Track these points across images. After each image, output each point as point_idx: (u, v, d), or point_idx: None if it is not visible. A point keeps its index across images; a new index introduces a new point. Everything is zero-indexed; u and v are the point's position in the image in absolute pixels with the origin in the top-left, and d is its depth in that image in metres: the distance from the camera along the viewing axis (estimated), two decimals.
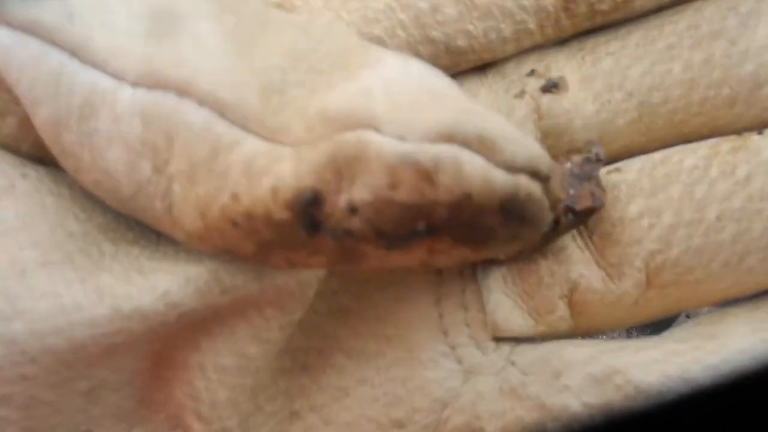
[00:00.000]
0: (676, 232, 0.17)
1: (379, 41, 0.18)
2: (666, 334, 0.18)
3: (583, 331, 0.19)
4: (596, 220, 0.18)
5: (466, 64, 0.19)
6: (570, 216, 0.17)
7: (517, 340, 0.18)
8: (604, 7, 0.19)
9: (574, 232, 0.18)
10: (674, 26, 0.19)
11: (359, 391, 0.18)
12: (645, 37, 0.19)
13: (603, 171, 0.18)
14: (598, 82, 0.19)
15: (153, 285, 0.15)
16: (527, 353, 0.18)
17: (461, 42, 0.18)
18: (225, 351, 0.16)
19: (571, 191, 0.17)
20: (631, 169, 0.18)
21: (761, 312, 0.18)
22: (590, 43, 0.19)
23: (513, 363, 0.18)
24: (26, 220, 0.15)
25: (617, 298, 0.18)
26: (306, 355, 0.18)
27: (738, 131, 0.18)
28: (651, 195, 0.18)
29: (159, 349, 0.16)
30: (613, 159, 0.19)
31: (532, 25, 0.19)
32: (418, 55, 0.18)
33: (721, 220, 0.17)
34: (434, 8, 0.18)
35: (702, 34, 0.18)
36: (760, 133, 0.18)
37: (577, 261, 0.18)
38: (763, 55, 0.18)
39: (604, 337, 0.19)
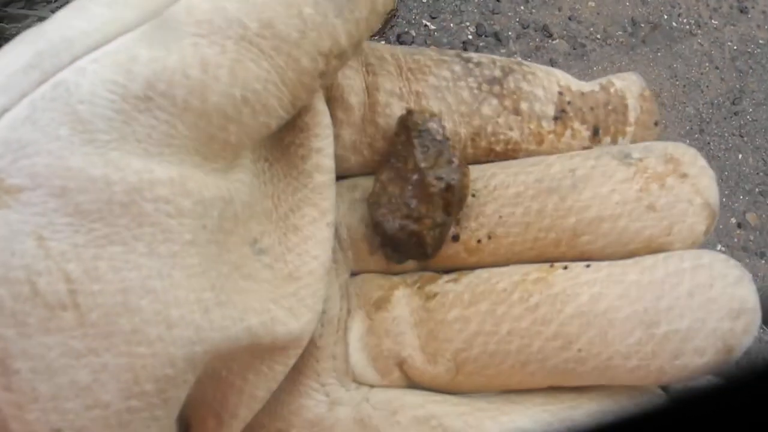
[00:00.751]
0: (477, 338, 0.23)
1: (349, 107, 0.25)
2: (485, 396, 0.24)
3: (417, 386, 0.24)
4: (427, 319, 0.24)
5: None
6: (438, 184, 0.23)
7: (372, 385, 0.24)
8: (498, 148, 0.25)
9: (412, 322, 0.24)
10: (526, 177, 0.24)
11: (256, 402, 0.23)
12: (503, 182, 0.25)
13: (445, 279, 0.25)
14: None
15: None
16: (379, 394, 0.24)
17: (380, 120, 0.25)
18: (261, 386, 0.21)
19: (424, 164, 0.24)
20: (463, 281, 0.24)
21: (553, 395, 0.23)
22: None
23: (367, 400, 0.24)
24: (204, 267, 0.19)
25: (433, 377, 0.24)
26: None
27: (559, 260, 0.23)
28: (466, 307, 0.23)
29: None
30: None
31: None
32: (364, 131, 0.25)
33: (511, 335, 0.22)
34: (387, 104, 0.25)
35: (542, 188, 0.24)
36: (565, 267, 0.23)
37: (408, 345, 0.24)
38: (583, 213, 0.23)
39: None
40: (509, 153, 0.25)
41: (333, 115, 0.24)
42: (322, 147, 0.23)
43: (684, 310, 0.21)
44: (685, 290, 0.21)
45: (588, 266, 0.23)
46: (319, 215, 0.23)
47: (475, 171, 0.25)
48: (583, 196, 0.23)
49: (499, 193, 0.24)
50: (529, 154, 0.25)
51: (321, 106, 0.23)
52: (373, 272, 0.26)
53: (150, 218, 0.18)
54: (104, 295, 0.17)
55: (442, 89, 0.25)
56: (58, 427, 0.17)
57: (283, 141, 0.23)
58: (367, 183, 0.25)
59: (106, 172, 0.17)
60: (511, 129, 0.25)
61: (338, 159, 0.24)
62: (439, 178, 0.23)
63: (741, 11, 1.57)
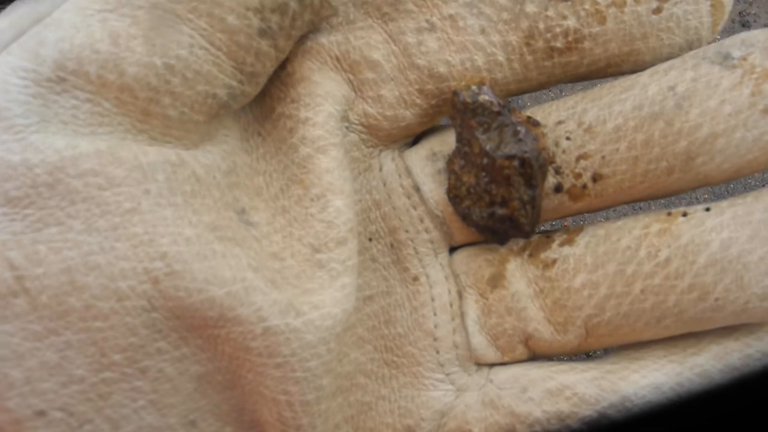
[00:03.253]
0: (609, 301, 0.22)
1: (377, 63, 0.23)
2: (604, 357, 0.23)
3: (539, 357, 0.24)
4: (550, 288, 0.23)
5: (448, 90, 0.23)
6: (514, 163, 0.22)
7: (493, 364, 0.24)
8: (558, 44, 0.23)
9: (532, 294, 0.23)
10: (622, 106, 0.22)
11: (380, 405, 0.24)
12: (597, 117, 0.22)
13: (558, 242, 0.24)
14: None
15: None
16: (501, 373, 0.24)
17: (442, 69, 0.23)
18: (308, 390, 0.20)
19: (489, 146, 0.22)
20: (580, 243, 0.23)
21: (672, 344, 0.22)
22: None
23: (491, 381, 0.24)
24: (153, 234, 0.19)
25: (563, 345, 0.23)
26: (342, 378, 0.23)
27: (675, 192, 0.22)
28: (592, 271, 0.22)
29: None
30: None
31: (500, 58, 0.23)
32: (407, 78, 0.23)
33: (644, 293, 0.22)
34: (419, 42, 0.23)
35: (644, 116, 0.22)
36: (685, 214, 0.22)
37: (533, 319, 0.23)
38: (695, 133, 0.21)
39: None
40: (573, 46, 0.23)
41: (362, 80, 0.23)
42: (309, 117, 0.22)
43: None
44: None
45: (708, 210, 0.21)
46: (303, 192, 0.22)
47: (561, 110, 0.23)
48: (690, 115, 0.21)
49: (597, 130, 0.22)
50: (594, 39, 0.22)
51: (316, 76, 0.22)
52: (474, 245, 0.25)
53: (80, 194, 0.18)
54: (49, 276, 0.18)
55: (475, 3, 0.22)
56: (41, 408, 0.18)
57: (273, 113, 0.23)
58: (444, 147, 0.24)
59: (24, 156, 0.18)
60: (564, 18, 0.22)
61: (394, 120, 0.23)
62: (511, 157, 0.22)
63: (743, 25, 1.35)
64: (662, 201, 0.24)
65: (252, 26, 0.20)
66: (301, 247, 0.22)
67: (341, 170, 0.22)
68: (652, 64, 0.23)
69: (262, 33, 0.20)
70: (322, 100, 0.22)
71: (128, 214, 0.18)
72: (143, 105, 0.19)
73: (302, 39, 0.23)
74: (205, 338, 0.20)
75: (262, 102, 0.23)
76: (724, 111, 0.21)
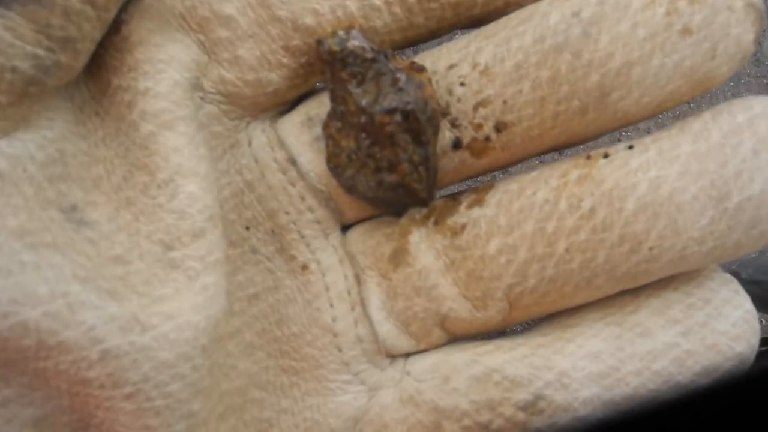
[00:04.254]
0: (531, 266, 0.19)
1: (231, 19, 0.19)
2: (533, 329, 0.21)
3: (460, 338, 0.21)
4: (461, 259, 0.20)
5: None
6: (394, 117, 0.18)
7: (408, 354, 0.21)
8: None
9: (443, 267, 0.20)
10: (521, 41, 0.19)
11: (282, 420, 0.20)
12: (494, 56, 0.19)
13: (465, 204, 0.20)
14: None
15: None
16: (419, 363, 0.21)
17: (309, 20, 0.19)
18: (174, 420, 0.17)
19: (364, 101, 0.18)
20: (491, 202, 0.20)
21: (607, 304, 0.20)
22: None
23: (408, 373, 0.21)
24: None
25: (484, 323, 0.20)
26: (232, 396, 0.20)
27: (593, 136, 0.19)
28: (507, 233, 0.19)
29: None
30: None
31: (377, 1, 0.19)
32: (269, 34, 0.19)
33: (570, 252, 0.19)
34: None
35: (547, 49, 0.19)
36: (605, 156, 0.19)
37: (447, 296, 0.20)
38: (607, 64, 0.18)
39: None
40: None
41: (214, 39, 0.19)
42: (150, 87, 0.18)
43: (753, 172, 0.18)
44: (749, 149, 0.18)
45: (631, 148, 0.19)
46: (149, 178, 0.18)
47: (453, 52, 0.20)
48: (600, 43, 0.18)
49: (495, 71, 0.19)
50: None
51: (157, 39, 0.19)
52: (370, 220, 0.21)
53: None
54: None
55: None
56: None
57: (110, 87, 0.19)
58: (322, 109, 0.20)
59: None
60: None
61: (258, 85, 0.20)
62: (391, 111, 0.18)
63: None
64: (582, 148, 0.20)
65: None
66: (151, 245, 0.18)
67: (193, 148, 0.18)
68: None
69: None
70: (164, 66, 0.18)
71: None
72: None
73: None
74: (31, 374, 0.16)
75: (97, 75, 0.19)
76: (638, 35, 0.18)
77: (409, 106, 0.18)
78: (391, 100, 0.18)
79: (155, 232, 0.18)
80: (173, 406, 0.17)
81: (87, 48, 0.18)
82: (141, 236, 0.18)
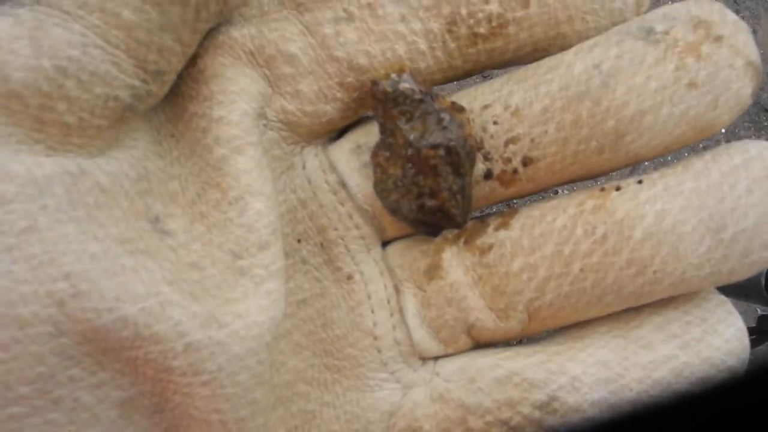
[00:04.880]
0: (549, 283, 0.22)
1: (294, 57, 0.22)
2: (549, 339, 0.23)
3: (483, 345, 0.24)
4: (488, 275, 0.22)
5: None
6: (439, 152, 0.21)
7: (437, 357, 0.24)
8: (482, 30, 0.22)
9: (471, 282, 0.22)
10: (548, 87, 0.22)
11: (324, 412, 0.23)
12: (524, 100, 0.22)
13: (493, 227, 0.23)
14: None
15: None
16: (448, 365, 0.23)
17: (362, 60, 0.22)
18: (241, 405, 0.19)
19: (412, 136, 0.21)
20: (515, 226, 0.22)
21: (614, 319, 0.22)
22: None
23: (438, 374, 0.23)
24: (53, 254, 0.17)
25: (506, 332, 0.23)
26: (281, 388, 0.22)
27: (607, 171, 0.22)
28: (529, 253, 0.22)
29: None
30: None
31: (422, 46, 0.22)
32: (326, 72, 0.22)
33: (584, 272, 0.21)
34: (337, 33, 0.22)
35: (571, 96, 0.21)
36: (618, 189, 0.21)
37: (474, 308, 0.23)
38: (622, 111, 0.21)
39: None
40: (497, 32, 0.22)
41: (279, 74, 0.22)
42: (223, 116, 0.21)
43: (747, 208, 0.20)
44: (744, 188, 0.20)
45: (641, 182, 0.21)
46: (221, 195, 0.21)
47: (487, 94, 0.22)
48: (617, 93, 0.21)
49: (524, 113, 0.22)
50: (519, 24, 0.22)
51: (229, 72, 0.21)
52: (408, 237, 0.24)
53: None
54: None
55: None
56: None
57: (186, 113, 0.21)
58: (369, 139, 0.23)
59: None
60: (487, 2, 0.22)
61: (315, 116, 0.22)
62: (435, 146, 0.21)
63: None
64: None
65: (151, 20, 0.18)
66: (222, 254, 0.21)
67: (260, 170, 0.21)
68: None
69: (163, 27, 0.19)
70: (236, 97, 0.21)
71: (24, 234, 0.17)
72: (35, 113, 0.17)
73: (213, 33, 0.21)
74: (124, 361, 0.18)
75: (174, 101, 0.22)
76: (650, 87, 0.21)
77: (452, 143, 0.21)
78: (436, 137, 0.21)
79: (226, 242, 0.21)
80: (240, 394, 0.19)
81: (171, 78, 0.20)
82: (213, 246, 0.21)
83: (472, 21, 0.22)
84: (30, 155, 0.18)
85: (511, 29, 0.22)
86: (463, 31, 0.22)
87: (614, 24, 0.22)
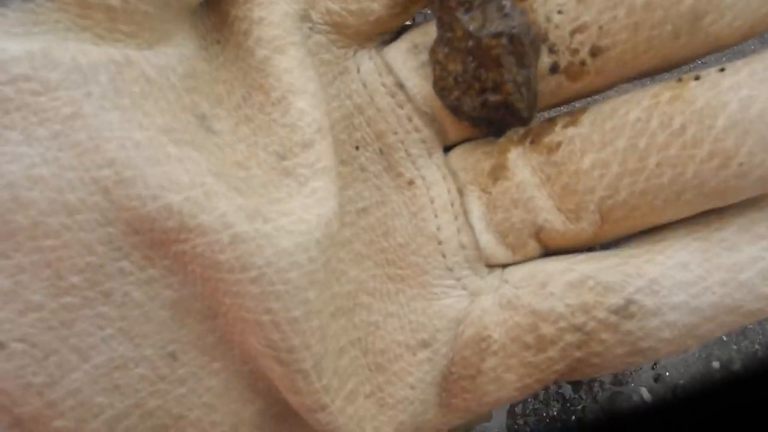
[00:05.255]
0: (623, 179, 0.20)
1: None
2: (623, 244, 0.22)
3: (552, 252, 0.22)
4: (557, 174, 0.21)
5: None
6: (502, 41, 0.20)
7: (505, 265, 0.23)
8: None
9: (538, 182, 0.21)
10: None
11: (388, 323, 0.22)
12: None
13: (561, 124, 0.21)
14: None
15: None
16: (516, 272, 0.22)
17: None
18: (293, 305, 0.18)
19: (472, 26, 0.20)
20: (585, 122, 0.21)
21: (694, 221, 0.21)
22: None
23: (506, 281, 0.22)
24: (97, 140, 0.17)
25: (577, 234, 0.21)
26: (342, 299, 0.21)
27: (683, 60, 0.20)
28: (601, 149, 0.20)
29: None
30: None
31: None
32: None
33: (660, 167, 0.20)
34: None
35: None
36: (697, 78, 0.20)
37: (542, 208, 0.21)
38: None
39: None
40: None
41: None
42: (263, 17, 0.20)
43: None
44: None
45: (723, 70, 0.19)
46: (264, 97, 0.20)
47: None
48: None
49: None
50: None
51: None
52: (470, 140, 0.23)
53: (14, 102, 0.16)
54: None
55: None
56: (0, 340, 0.16)
57: (229, 17, 0.21)
58: (426, 38, 0.22)
59: None
60: None
61: (361, 15, 0.21)
62: (498, 35, 0.19)
63: None
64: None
65: None
66: (267, 155, 0.20)
67: (302, 69, 0.20)
68: None
69: None
70: None
71: (69, 120, 0.17)
72: None
73: None
74: (172, 257, 0.18)
75: (217, 8, 0.21)
76: None
77: (515, 30, 0.19)
78: (497, 25, 0.19)
79: (270, 144, 0.20)
80: (292, 292, 0.18)
81: None
82: (258, 147, 0.20)
83: None
84: (77, 43, 0.17)
85: None
86: None
87: None
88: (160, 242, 0.18)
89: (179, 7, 0.19)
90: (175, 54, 0.19)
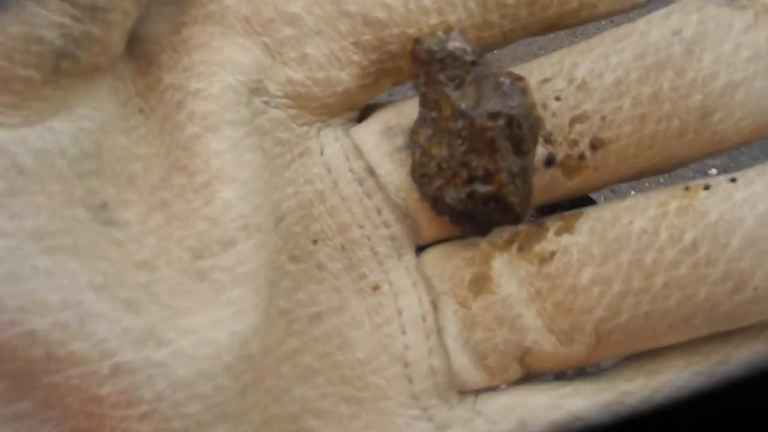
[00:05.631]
0: (626, 299, 0.18)
1: (297, 17, 0.18)
2: (613, 373, 0.19)
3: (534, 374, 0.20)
4: (549, 289, 0.18)
5: (391, 39, 0.18)
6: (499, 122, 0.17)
7: (479, 390, 0.19)
8: None
9: (527, 297, 0.18)
10: (620, 57, 0.18)
11: None
12: (591, 71, 0.18)
13: (553, 230, 0.19)
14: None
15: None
16: (492, 402, 0.19)
17: (380, 14, 0.18)
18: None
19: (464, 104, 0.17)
20: (582, 229, 0.18)
21: (692, 350, 0.18)
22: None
23: (479, 413, 0.19)
24: None
25: (566, 358, 0.19)
26: (283, 422, 0.18)
27: (685, 160, 0.19)
28: (602, 263, 0.18)
29: None
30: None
31: None
32: (337, 30, 0.18)
33: (668, 287, 0.18)
34: None
35: (649, 65, 0.18)
36: (706, 187, 0.18)
37: (530, 329, 0.19)
38: (710, 84, 0.18)
39: None
40: None
41: (280, 39, 0.19)
42: (201, 89, 0.18)
43: None
44: None
45: (734, 180, 0.18)
46: (187, 180, 0.17)
47: (546, 67, 0.19)
48: (704, 62, 0.18)
49: (593, 85, 0.18)
50: None
51: (218, 42, 0.18)
52: (447, 240, 0.20)
53: None
54: None
55: None
56: None
57: (161, 84, 0.18)
58: (402, 119, 0.19)
59: None
60: None
61: (328, 84, 0.19)
62: (494, 115, 0.17)
63: None
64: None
65: None
66: (181, 252, 0.17)
67: (237, 153, 0.17)
68: (632, 4, 0.19)
69: None
70: (219, 69, 0.18)
71: None
72: None
73: (203, 2, 0.18)
74: (45, 389, 0.15)
75: (148, 71, 0.18)
76: (741, 56, 0.18)
77: (513, 111, 0.17)
78: (494, 104, 0.17)
79: (187, 238, 0.17)
80: (193, 429, 0.15)
81: (119, 21, 0.17)
82: (172, 241, 0.17)
83: None
84: None
85: None
86: None
87: None
88: (26, 373, 0.15)
89: (83, 72, 0.16)
90: (71, 130, 0.16)
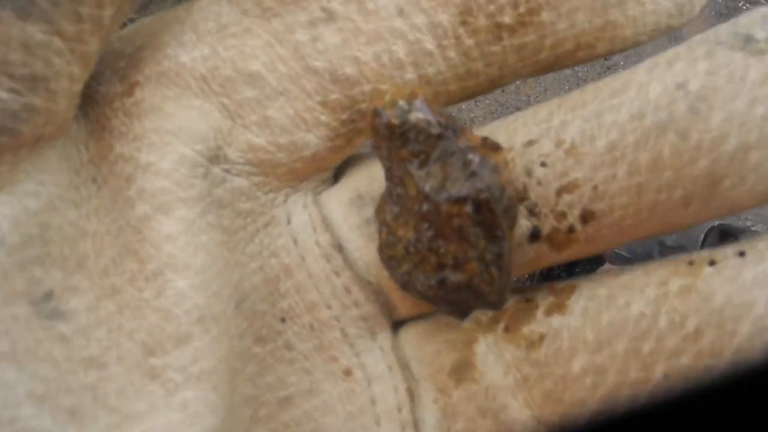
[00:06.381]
0: (622, 392, 0.16)
1: (257, 76, 0.17)
2: None
3: None
4: (538, 377, 0.17)
5: (362, 97, 0.17)
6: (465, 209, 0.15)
7: None
8: (506, 19, 0.16)
9: (513, 385, 0.17)
10: (615, 115, 0.16)
11: None
12: (582, 133, 0.16)
13: (543, 309, 0.17)
14: None
15: None
16: None
17: (349, 69, 0.17)
18: None
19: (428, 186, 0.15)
20: (574, 309, 0.17)
21: None
22: None
23: None
24: None
25: None
26: None
27: (690, 225, 0.17)
28: (595, 350, 0.16)
29: None
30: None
31: (429, 45, 0.17)
32: (303, 89, 0.17)
33: (669, 379, 0.16)
34: (314, 38, 0.17)
35: (648, 127, 0.16)
36: (712, 263, 0.16)
37: (516, 421, 0.17)
38: (719, 147, 0.15)
39: None
40: (527, 20, 0.16)
41: (240, 101, 0.17)
42: (152, 162, 0.16)
43: None
44: None
45: (743, 254, 0.16)
46: (138, 267, 0.16)
47: (531, 125, 0.17)
48: (712, 122, 0.15)
49: (583, 150, 0.16)
50: (555, 9, 0.16)
51: (171, 106, 0.17)
52: (427, 318, 0.18)
53: None
54: None
55: None
56: None
57: (111, 153, 0.17)
58: (375, 186, 0.18)
59: None
60: None
61: (294, 149, 0.17)
62: (461, 200, 0.15)
63: None
64: None
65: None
66: (132, 346, 0.16)
67: (191, 236, 0.16)
68: (634, 40, 0.17)
69: (24, 13, 0.14)
70: (172, 137, 0.16)
71: None
72: None
73: (158, 58, 0.17)
74: None
75: (100, 137, 0.17)
76: (756, 113, 0.15)
77: (483, 195, 0.15)
78: (460, 187, 0.15)
79: (138, 330, 0.16)
80: None
81: (65, 87, 0.15)
82: (123, 334, 0.16)
83: (492, 8, 0.16)
84: None
85: (546, 16, 0.16)
86: (482, 21, 0.16)
87: (678, 5, 0.17)
88: None
89: (28, 143, 0.15)
90: (14, 213, 0.15)
